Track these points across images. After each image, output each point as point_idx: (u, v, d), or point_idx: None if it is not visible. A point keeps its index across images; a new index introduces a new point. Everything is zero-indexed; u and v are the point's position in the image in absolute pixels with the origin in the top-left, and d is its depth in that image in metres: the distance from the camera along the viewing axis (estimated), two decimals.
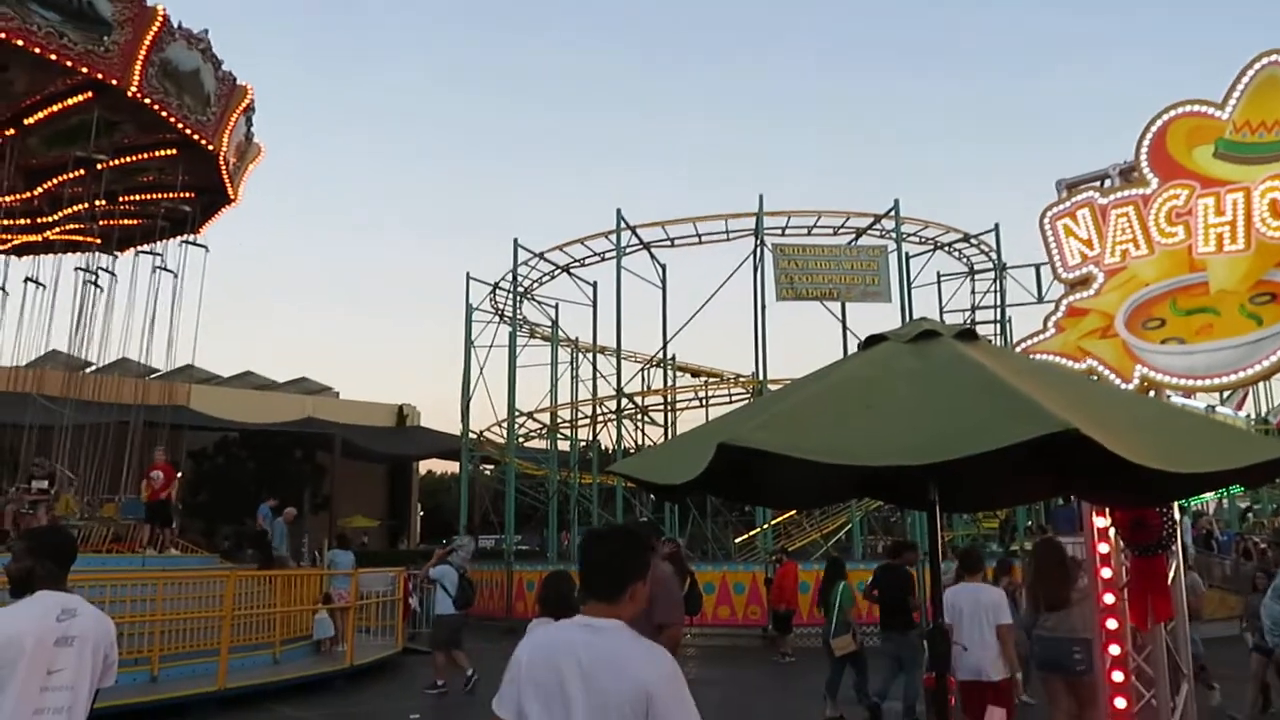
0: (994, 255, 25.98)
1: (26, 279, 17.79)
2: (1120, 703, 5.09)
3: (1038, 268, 26.29)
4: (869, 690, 10.01)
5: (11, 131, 15.11)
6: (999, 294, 26.32)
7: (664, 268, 27.78)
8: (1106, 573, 5.31)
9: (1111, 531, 5.31)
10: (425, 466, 51.09)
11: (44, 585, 3.73)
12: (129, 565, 13.54)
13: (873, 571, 11.79)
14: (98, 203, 16.75)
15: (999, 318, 25.76)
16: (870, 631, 11.33)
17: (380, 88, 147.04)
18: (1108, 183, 5.58)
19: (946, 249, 26.52)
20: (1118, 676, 5.14)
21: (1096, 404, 3.63)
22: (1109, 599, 5.26)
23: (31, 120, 15.03)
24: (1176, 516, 5.15)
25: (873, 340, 4.17)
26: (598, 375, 28.96)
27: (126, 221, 18.58)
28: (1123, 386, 5.14)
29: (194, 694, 10.97)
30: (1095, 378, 5.17)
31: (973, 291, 27.46)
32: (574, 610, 6.23)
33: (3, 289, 18.46)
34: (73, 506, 15.13)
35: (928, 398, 3.44)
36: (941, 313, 26.86)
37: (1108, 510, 5.30)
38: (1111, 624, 5.22)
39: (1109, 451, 3.03)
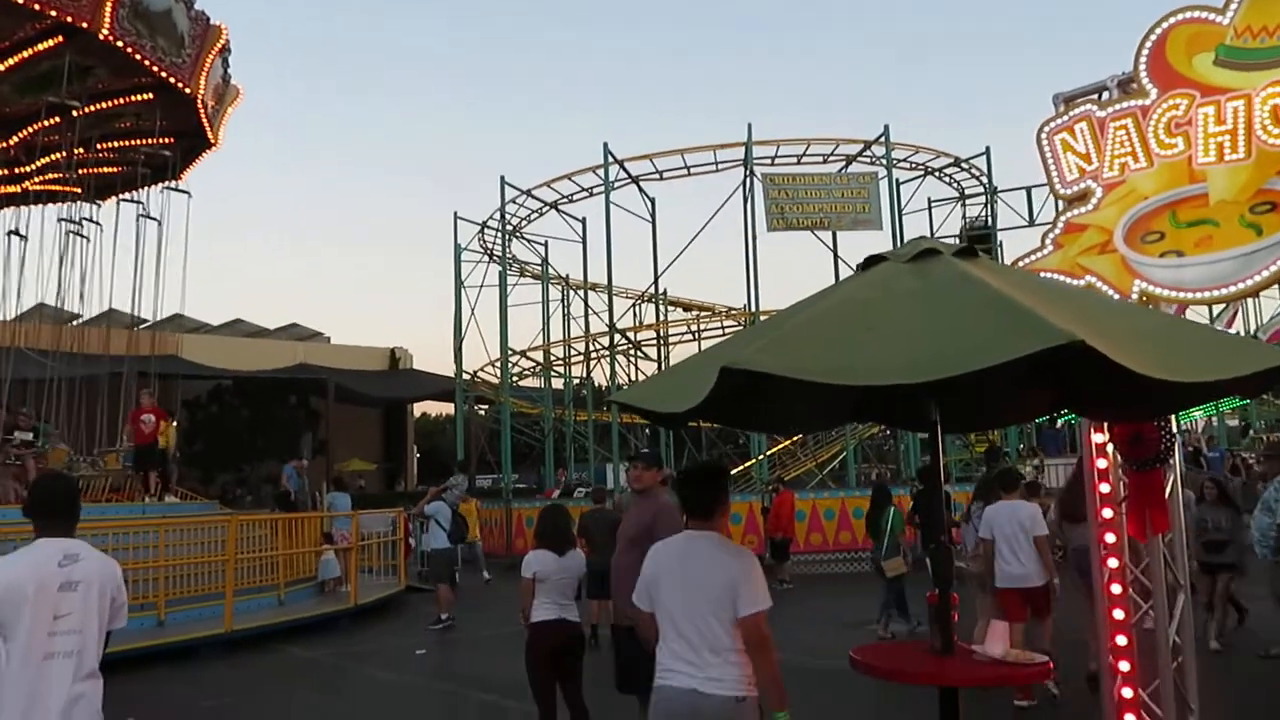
0: (985, 179, 25.81)
1: (9, 232, 17.54)
2: (1119, 614, 5.16)
3: (1029, 190, 26.18)
4: (909, 611, 10.89)
5: None
6: (990, 218, 26.22)
7: (653, 201, 27.52)
8: (1104, 488, 5.35)
9: (1109, 447, 5.33)
10: (420, 409, 51.27)
11: (44, 534, 3.73)
12: (129, 514, 13.60)
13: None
14: (75, 151, 16.44)
15: (990, 242, 25.68)
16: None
17: (361, 27, 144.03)
18: (1106, 95, 5.47)
19: (937, 174, 26.33)
20: (1116, 589, 5.21)
21: (1099, 317, 3.60)
22: (1107, 513, 5.30)
23: (1, 67, 14.69)
24: (1174, 430, 5.17)
25: (872, 261, 4.12)
26: (589, 312, 28.90)
27: (106, 169, 18.30)
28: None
29: (201, 637, 11.12)
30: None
31: (964, 216, 27.36)
32: (571, 543, 6.29)
33: None
34: (62, 457, 15.09)
35: (929, 316, 3.41)
36: (933, 238, 26.76)
37: (1105, 426, 5.32)
38: (1110, 538, 5.27)
39: (1109, 365, 3.01)
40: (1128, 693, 5.08)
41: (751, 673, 3.55)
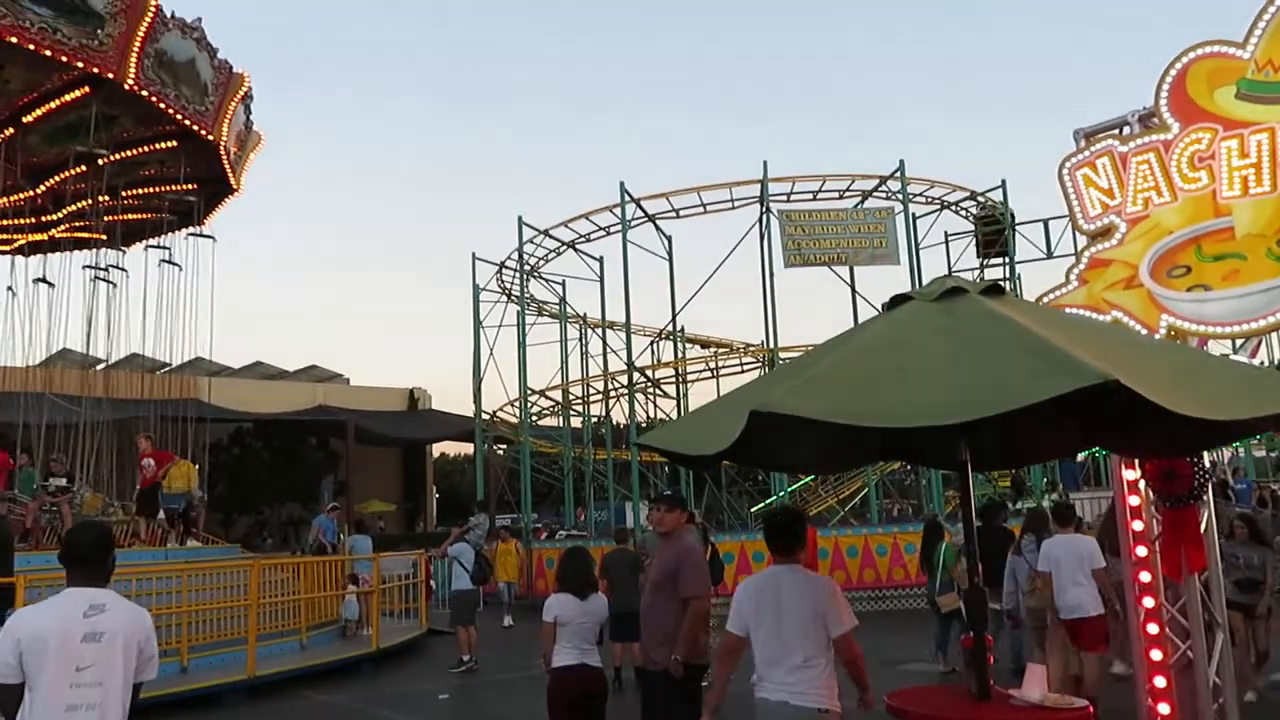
0: (1001, 212, 25.77)
1: (36, 280, 17.77)
2: (1156, 655, 5.06)
3: (1046, 223, 26.12)
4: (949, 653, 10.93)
5: (11, 130, 15.08)
6: (1009, 251, 26.15)
7: (670, 239, 27.62)
8: (1137, 525, 5.27)
9: (1141, 484, 5.26)
10: (438, 449, 51.23)
11: (73, 583, 3.71)
12: (152, 559, 13.61)
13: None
14: (101, 198, 16.71)
15: (1007, 275, 25.61)
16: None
17: (377, 71, 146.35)
18: (1127, 130, 5.47)
19: (953, 208, 26.32)
20: (1153, 629, 5.11)
21: (1131, 354, 3.57)
22: (1141, 551, 5.22)
23: (30, 118, 15.00)
24: (1207, 465, 5.10)
25: (898, 300, 4.11)
26: (607, 350, 28.91)
27: (132, 216, 18.56)
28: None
29: (225, 683, 11.05)
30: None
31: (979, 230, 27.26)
32: (594, 586, 6.22)
33: (10, 290, 18.45)
34: (97, 503, 15.15)
35: (960, 355, 3.39)
36: (950, 272, 26.72)
37: (1137, 462, 5.26)
38: (1145, 577, 5.18)
39: (1140, 402, 2.98)
40: None
41: (833, 685, 4.13)
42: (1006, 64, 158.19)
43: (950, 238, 27.68)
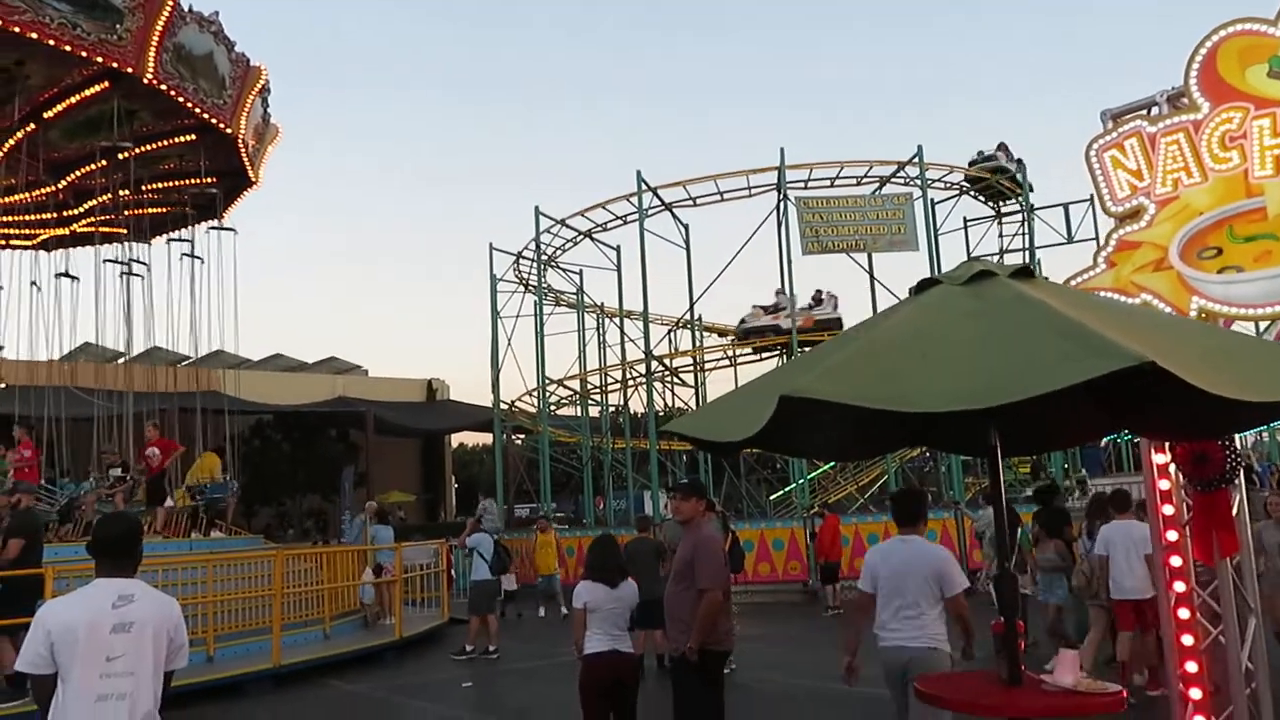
0: (1022, 197, 25.60)
1: (59, 274, 17.91)
2: (1187, 639, 5.02)
3: (1066, 207, 25.92)
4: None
5: (32, 126, 15.16)
6: (1027, 235, 25.97)
7: (687, 228, 27.60)
8: (1168, 509, 5.22)
9: (1172, 468, 5.21)
10: (457, 440, 51.42)
11: (102, 573, 3.73)
12: (177, 550, 13.74)
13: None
14: (122, 192, 16.80)
15: (1028, 260, 25.44)
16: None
17: (396, 63, 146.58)
18: (1155, 111, 5.39)
19: (972, 193, 26.15)
20: (1183, 613, 5.07)
21: (1164, 336, 3.52)
22: (1171, 536, 5.17)
23: (51, 113, 15.09)
24: (1239, 448, 5.04)
25: (926, 284, 4.07)
26: (625, 339, 28.93)
27: (152, 210, 18.66)
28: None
29: (250, 672, 11.16)
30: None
31: (1000, 234, 27.15)
32: (624, 574, 6.24)
33: (34, 284, 18.60)
34: (140, 496, 15.29)
35: (990, 339, 3.35)
36: (969, 258, 26.55)
37: (1167, 446, 5.20)
38: (1175, 561, 5.13)
39: (1171, 384, 2.93)
40: None
41: (942, 631, 5.07)
42: (1026, 47, 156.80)
43: (970, 223, 27.52)
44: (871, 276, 25.95)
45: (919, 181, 23.90)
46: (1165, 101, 5.40)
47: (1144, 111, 5.49)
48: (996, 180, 25.32)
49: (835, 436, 4.91)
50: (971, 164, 25.49)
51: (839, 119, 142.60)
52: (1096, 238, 24.89)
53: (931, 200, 24.49)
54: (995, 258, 26.19)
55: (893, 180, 24.96)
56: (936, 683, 4.11)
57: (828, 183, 24.97)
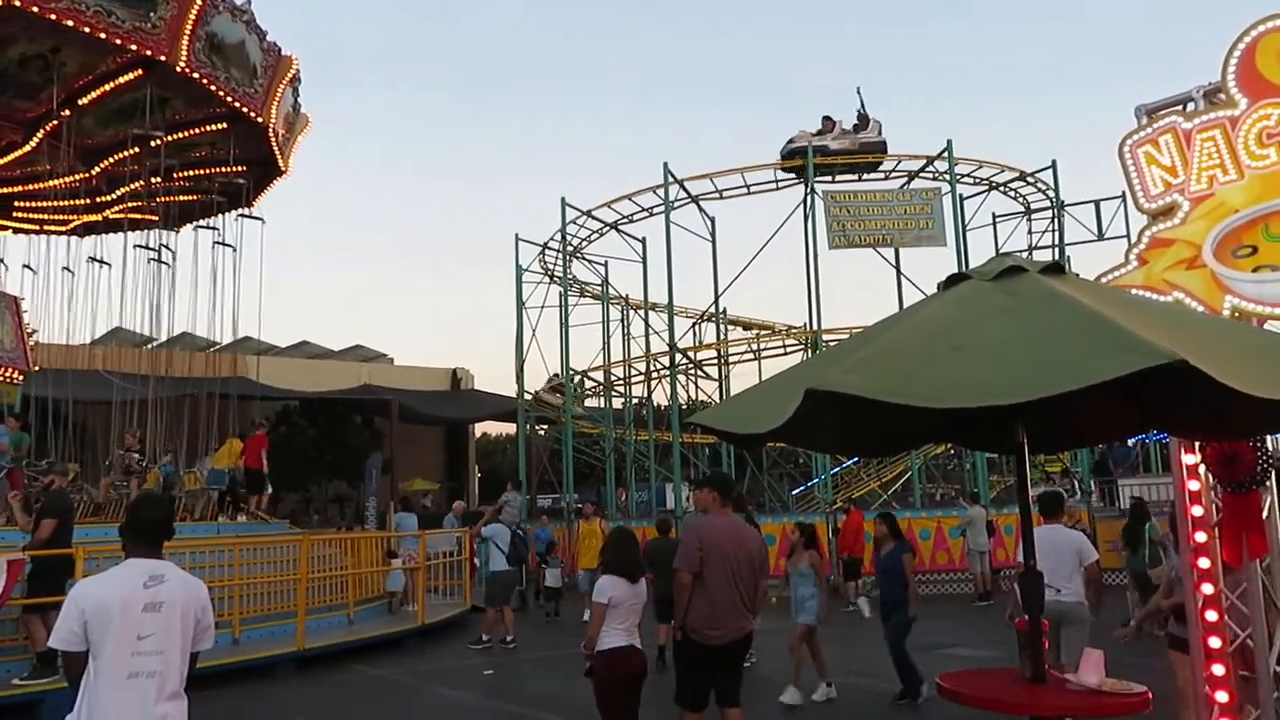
0: (1052, 193, 25.32)
1: (91, 259, 18.13)
2: (1215, 642, 4.97)
3: (1097, 204, 25.61)
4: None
5: (67, 113, 15.33)
6: (1057, 233, 25.70)
7: (713, 220, 27.54)
8: (1197, 510, 5.16)
9: (1201, 468, 5.15)
10: (480, 429, 51.65)
11: (134, 553, 3.79)
12: (205, 533, 13.91)
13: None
14: (154, 180, 16.97)
15: (1057, 257, 25.17)
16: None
17: (423, 52, 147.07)
18: (1191, 106, 5.32)
19: (1002, 189, 25.90)
20: (1211, 615, 5.01)
21: (1197, 334, 3.48)
22: (1200, 537, 5.12)
23: (85, 100, 15.25)
24: (1270, 449, 4.97)
25: (955, 279, 4.05)
26: (650, 331, 28.94)
27: (183, 198, 18.84)
28: None
29: (276, 655, 11.29)
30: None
31: (1029, 231, 26.87)
32: (643, 569, 6.28)
33: (67, 269, 18.86)
34: (156, 478, 15.52)
35: (1021, 335, 3.33)
36: (998, 254, 26.27)
37: (1197, 447, 5.15)
38: (1203, 563, 5.08)
39: (1202, 383, 2.90)
40: None
41: (1081, 590, 7.17)
42: (1061, 41, 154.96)
43: (998, 219, 27.26)
44: (898, 272, 25.80)
45: (948, 176, 23.71)
46: (1202, 97, 5.32)
47: (1180, 107, 5.41)
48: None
49: (860, 432, 4.89)
50: (792, 153, 24.45)
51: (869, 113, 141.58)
52: (1128, 235, 24.67)
53: (960, 196, 24.29)
54: (1024, 255, 25.91)
55: (921, 175, 24.79)
56: (960, 679, 4.10)
57: (855, 176, 24.84)
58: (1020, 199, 26.33)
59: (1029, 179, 25.41)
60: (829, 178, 24.35)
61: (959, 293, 3.84)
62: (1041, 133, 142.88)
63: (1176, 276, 5.18)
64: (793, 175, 24.49)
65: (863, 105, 24.69)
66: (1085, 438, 5.65)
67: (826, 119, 24.53)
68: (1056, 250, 25.42)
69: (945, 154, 23.43)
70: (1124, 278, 5.45)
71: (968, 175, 25.10)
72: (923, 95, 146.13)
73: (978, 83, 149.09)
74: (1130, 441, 22.17)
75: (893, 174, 25.01)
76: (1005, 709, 3.79)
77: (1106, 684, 3.73)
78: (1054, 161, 24.87)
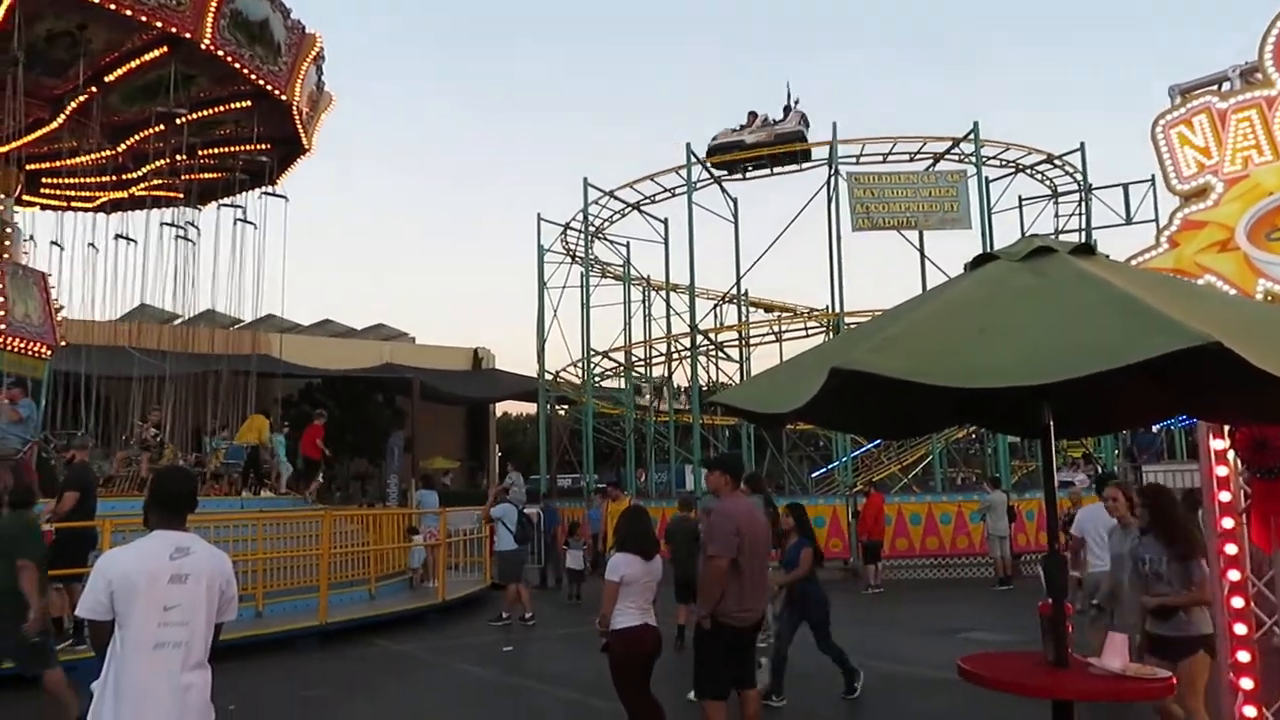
0: (1079, 176, 25.00)
1: (117, 236, 18.26)
2: (1240, 629, 4.92)
3: (1125, 187, 25.27)
4: None
5: (93, 90, 15.41)
6: (1084, 216, 25.39)
7: (735, 201, 27.40)
8: (1225, 496, 5.11)
9: (1230, 454, 5.09)
10: (501, 408, 51.82)
11: (160, 525, 3.82)
12: (229, 508, 14.05)
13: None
14: (179, 157, 17.05)
15: (1084, 241, 24.87)
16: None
17: (445, 29, 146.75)
18: (1227, 86, 5.22)
19: (1028, 171, 25.61)
20: (1237, 602, 4.97)
21: (1231, 316, 3.43)
22: (1227, 523, 5.06)
23: (111, 78, 15.31)
24: None
25: (982, 259, 4.00)
26: (671, 313, 28.90)
27: (207, 175, 18.93)
28: None
29: (298, 628, 11.42)
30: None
31: (1056, 215, 26.57)
32: (657, 547, 6.26)
33: (93, 245, 19.00)
34: (172, 454, 15.69)
35: (1049, 315, 3.28)
36: (1021, 239, 26.00)
37: (1226, 431, 5.08)
38: (1230, 549, 5.03)
39: (1234, 367, 2.85)
40: (1250, 711, 4.84)
41: None
42: (1089, 21, 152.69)
43: (1025, 202, 26.96)
44: (922, 254, 25.62)
45: (974, 158, 23.47)
46: (1238, 77, 5.22)
47: (1215, 87, 5.31)
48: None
49: (883, 413, 4.85)
50: (715, 149, 25.13)
51: (893, 94, 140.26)
52: (1156, 219, 24.35)
53: (986, 178, 24.04)
54: (1051, 237, 25.61)
55: (947, 157, 24.55)
56: (981, 661, 4.08)
57: (880, 158, 24.65)
58: (1047, 182, 26.03)
59: (1056, 161, 25.11)
60: (854, 160, 24.20)
61: (986, 273, 3.79)
62: (1069, 115, 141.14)
63: (1208, 259, 5.10)
64: (818, 157, 24.38)
65: (789, 96, 25.09)
66: (1112, 422, 5.58)
67: (751, 114, 25.00)
68: (1083, 234, 25.12)
69: (971, 136, 23.19)
70: (1154, 260, 5.37)
71: (994, 158, 24.84)
72: (949, 77, 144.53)
73: (1005, 64, 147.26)
74: (1155, 428, 21.96)
75: (918, 156, 24.79)
76: (1028, 692, 3.77)
77: (1130, 669, 3.70)
78: (1082, 144, 24.54)
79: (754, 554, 5.93)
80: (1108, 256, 4.07)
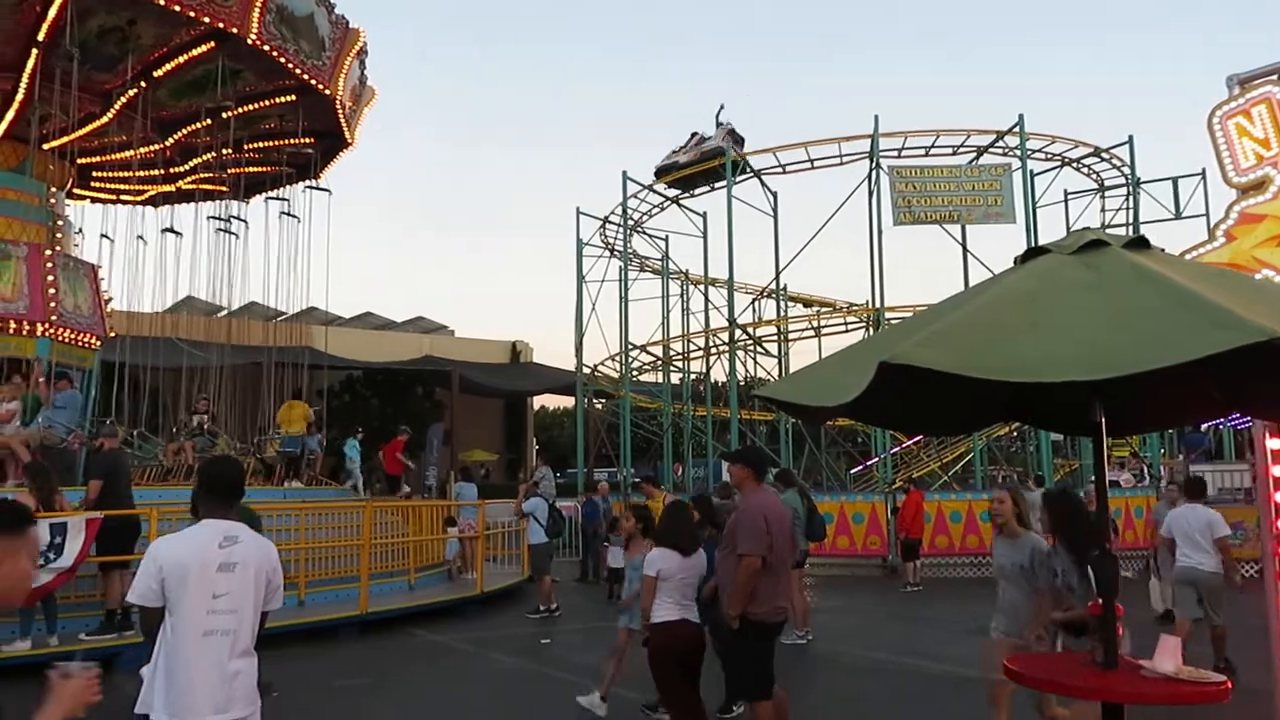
0: (1127, 169, 24.53)
1: (164, 229, 18.56)
2: None
3: (1175, 181, 24.71)
4: None
5: (143, 85, 15.66)
6: (1132, 210, 24.90)
7: (775, 195, 27.25)
8: None
9: None
10: (539, 402, 52.06)
11: (209, 514, 3.86)
12: (271, 497, 14.23)
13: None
14: (224, 151, 17.29)
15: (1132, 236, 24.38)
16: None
17: (487, 23, 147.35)
18: None
19: (1075, 165, 25.19)
20: None
21: None
22: None
23: (160, 72, 15.54)
24: None
25: (1033, 253, 3.92)
26: (709, 307, 28.82)
27: (252, 169, 19.17)
28: None
29: (339, 618, 11.55)
30: None
31: (1103, 209, 26.09)
32: (697, 542, 6.21)
33: (141, 238, 19.33)
34: (225, 444, 15.93)
35: (1105, 309, 3.21)
36: (1069, 233, 25.57)
37: None
38: None
39: None
40: None
41: (1215, 560, 8.35)
42: (1138, 10, 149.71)
43: (1070, 196, 26.50)
44: (965, 249, 25.32)
45: (1018, 152, 23.12)
46: None
47: (1275, 76, 5.17)
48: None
49: (929, 409, 4.78)
50: (659, 171, 26.54)
51: (936, 86, 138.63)
52: (1207, 214, 23.83)
53: (1031, 172, 23.67)
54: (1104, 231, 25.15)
55: (990, 150, 24.21)
56: (1029, 663, 4.01)
57: (922, 151, 24.38)
58: (1094, 175, 25.58)
59: (1104, 155, 24.66)
60: (895, 153, 23.98)
61: (1038, 266, 3.71)
62: (1117, 107, 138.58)
63: (1267, 254, 4.97)
64: (859, 150, 24.22)
65: (717, 116, 26.46)
66: (1165, 419, 5.46)
67: (693, 134, 26.61)
68: (1130, 228, 24.63)
69: (1016, 129, 22.84)
70: (1209, 254, 5.25)
71: (1039, 151, 24.47)
72: (994, 69, 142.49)
73: (1051, 56, 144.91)
74: (1203, 426, 21.53)
75: (961, 149, 24.48)
76: (1077, 694, 3.70)
77: (1183, 672, 3.61)
78: (1130, 137, 24.09)
79: (780, 550, 5.84)
80: (1163, 250, 3.98)
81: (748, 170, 25.74)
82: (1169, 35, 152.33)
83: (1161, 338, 2.90)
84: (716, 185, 26.01)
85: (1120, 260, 3.52)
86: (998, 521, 5.95)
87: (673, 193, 26.89)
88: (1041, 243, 4.47)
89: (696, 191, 27.20)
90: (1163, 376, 2.99)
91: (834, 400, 3.36)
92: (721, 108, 26.45)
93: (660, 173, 26.50)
